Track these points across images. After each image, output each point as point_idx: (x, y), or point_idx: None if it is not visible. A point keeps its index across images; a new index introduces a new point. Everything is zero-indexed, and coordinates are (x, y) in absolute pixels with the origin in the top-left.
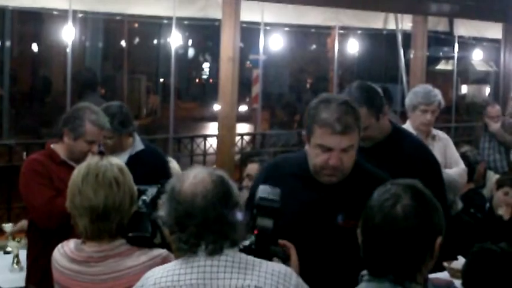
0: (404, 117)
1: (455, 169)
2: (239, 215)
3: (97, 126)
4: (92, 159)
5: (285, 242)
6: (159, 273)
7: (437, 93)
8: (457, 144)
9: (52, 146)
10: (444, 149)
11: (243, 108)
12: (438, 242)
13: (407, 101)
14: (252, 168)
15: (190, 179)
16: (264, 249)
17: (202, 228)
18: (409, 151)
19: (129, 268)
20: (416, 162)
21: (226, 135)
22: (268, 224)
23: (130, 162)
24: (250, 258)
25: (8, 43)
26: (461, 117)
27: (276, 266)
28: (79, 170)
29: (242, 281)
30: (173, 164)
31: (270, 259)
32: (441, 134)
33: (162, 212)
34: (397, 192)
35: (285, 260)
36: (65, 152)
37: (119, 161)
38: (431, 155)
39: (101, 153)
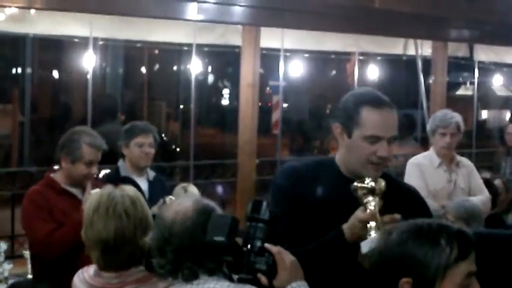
0: (424, 143)
1: (479, 197)
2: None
3: (93, 147)
4: (104, 190)
5: (271, 247)
6: None
7: (455, 116)
8: (478, 170)
9: (52, 175)
10: (468, 176)
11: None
12: (402, 281)
13: (427, 126)
14: None
15: (175, 206)
16: (245, 266)
17: (178, 254)
18: (397, 184)
19: None
20: (409, 195)
21: (246, 161)
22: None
23: (151, 187)
24: (221, 284)
25: (28, 70)
26: (481, 143)
27: None
28: (91, 202)
29: None
30: (193, 190)
31: (254, 275)
32: (465, 161)
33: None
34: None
35: (270, 272)
36: (64, 178)
37: (133, 191)
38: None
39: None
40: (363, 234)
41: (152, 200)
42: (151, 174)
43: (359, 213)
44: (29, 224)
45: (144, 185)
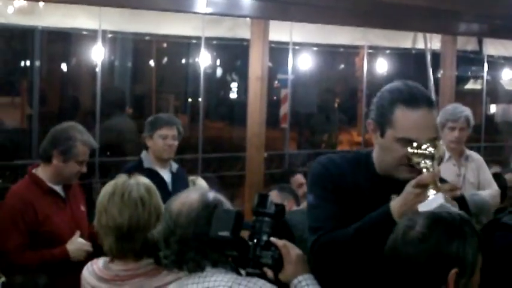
0: None
1: (488, 191)
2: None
3: (87, 146)
4: (119, 178)
5: (277, 241)
6: None
7: (465, 110)
8: (487, 164)
9: (34, 171)
10: (477, 170)
11: None
12: (452, 273)
13: (437, 120)
14: (300, 178)
15: (182, 197)
16: (251, 261)
17: (182, 245)
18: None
19: None
20: None
21: (255, 155)
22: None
23: (174, 179)
24: (228, 276)
25: (37, 63)
26: (490, 137)
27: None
28: (106, 189)
29: None
30: (201, 183)
31: (260, 269)
32: (474, 155)
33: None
34: (414, 218)
35: (276, 266)
36: (51, 174)
37: (146, 180)
38: None
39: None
40: (418, 202)
41: (176, 192)
42: (175, 166)
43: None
44: (1, 231)
45: (167, 176)
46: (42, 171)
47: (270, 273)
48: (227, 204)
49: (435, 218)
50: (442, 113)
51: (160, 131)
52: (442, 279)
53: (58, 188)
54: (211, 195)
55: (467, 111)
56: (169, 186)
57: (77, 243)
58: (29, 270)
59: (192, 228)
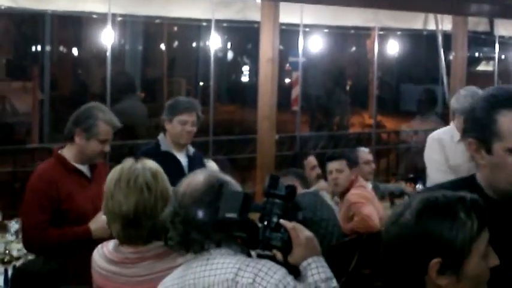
0: (444, 118)
1: None
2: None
3: (109, 125)
4: (126, 163)
5: (286, 223)
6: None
7: None
8: None
9: (59, 151)
10: None
11: None
12: (433, 262)
13: (454, 103)
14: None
15: (188, 179)
16: (260, 242)
17: (185, 225)
18: None
19: (165, 270)
20: None
21: (266, 137)
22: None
23: (190, 162)
24: (237, 258)
25: (48, 47)
26: None
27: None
28: (113, 174)
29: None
30: (212, 165)
31: (270, 251)
32: None
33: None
34: (409, 202)
35: (285, 248)
36: (75, 153)
37: (154, 164)
38: None
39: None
40: None
41: None
42: (191, 149)
43: None
44: (25, 209)
45: (184, 160)
46: (67, 151)
47: (279, 255)
48: (234, 185)
49: (426, 204)
50: (463, 98)
51: (180, 116)
52: (425, 269)
53: (84, 168)
54: (218, 176)
55: None
56: (186, 170)
57: (100, 222)
58: (51, 247)
59: (196, 209)
